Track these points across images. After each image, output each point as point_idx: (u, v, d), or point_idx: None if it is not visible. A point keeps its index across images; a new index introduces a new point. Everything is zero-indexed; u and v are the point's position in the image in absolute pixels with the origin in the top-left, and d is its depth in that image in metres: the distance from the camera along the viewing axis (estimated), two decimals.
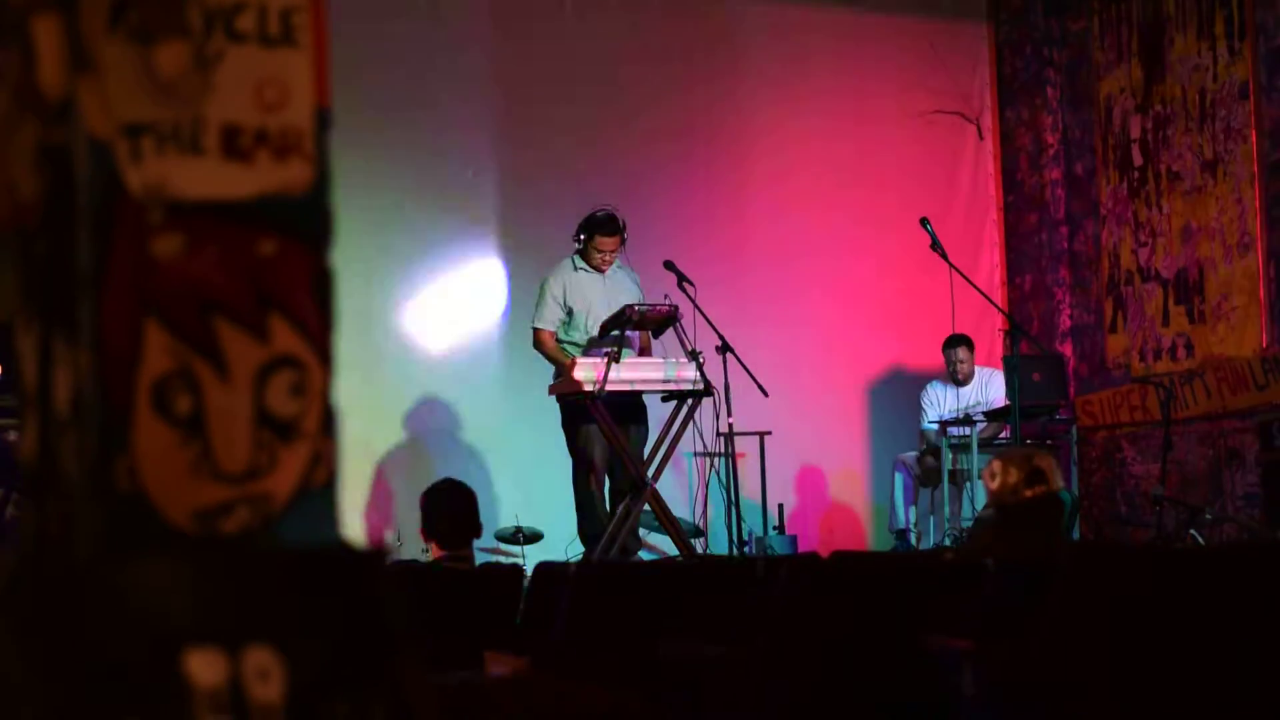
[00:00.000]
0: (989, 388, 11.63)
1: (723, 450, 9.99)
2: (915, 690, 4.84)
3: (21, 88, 2.14)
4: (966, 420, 11.04)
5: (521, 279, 10.68)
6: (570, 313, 9.95)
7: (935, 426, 11.41)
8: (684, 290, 9.89)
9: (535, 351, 10.11)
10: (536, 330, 10.04)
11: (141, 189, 2.09)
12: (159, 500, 2.08)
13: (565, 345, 9.96)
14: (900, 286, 12.79)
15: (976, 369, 11.75)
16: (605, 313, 9.82)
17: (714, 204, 12.60)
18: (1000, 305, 12.70)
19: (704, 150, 12.66)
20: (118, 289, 2.07)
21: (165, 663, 1.94)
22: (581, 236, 9.97)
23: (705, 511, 10.61)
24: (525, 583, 6.23)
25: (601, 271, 9.99)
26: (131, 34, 2.10)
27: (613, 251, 9.95)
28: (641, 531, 10.14)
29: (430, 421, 11.77)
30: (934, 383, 11.89)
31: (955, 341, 11.69)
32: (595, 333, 9.87)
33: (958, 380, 11.69)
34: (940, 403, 11.72)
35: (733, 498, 9.89)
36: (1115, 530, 12.44)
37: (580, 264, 10.01)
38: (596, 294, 9.96)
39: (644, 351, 10.03)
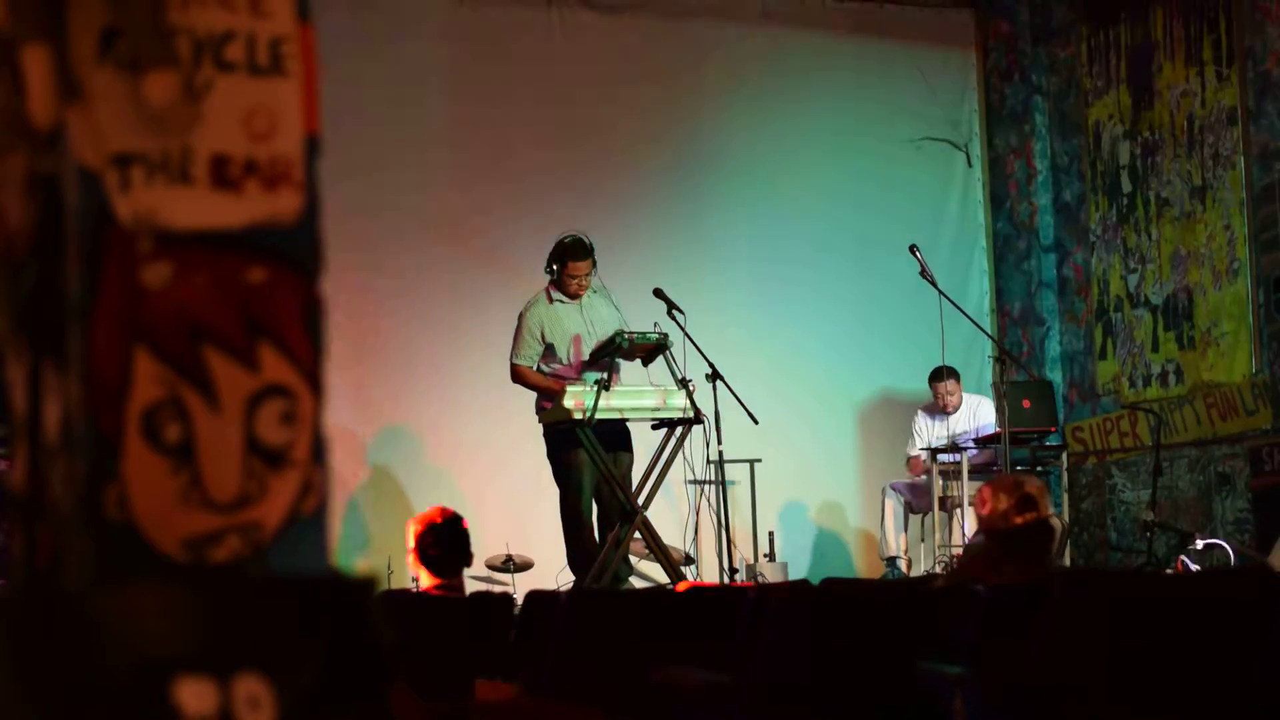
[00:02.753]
0: (977, 415, 11.62)
1: (713, 478, 9.99)
2: (907, 717, 4.84)
3: (11, 117, 2.15)
4: (956, 448, 11.05)
5: (509, 306, 10.67)
6: (550, 348, 9.93)
7: (923, 454, 11.43)
8: (673, 318, 9.89)
9: (524, 390, 10.10)
10: (514, 365, 10.01)
11: (131, 218, 2.09)
12: (149, 529, 2.08)
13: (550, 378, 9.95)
14: (890, 313, 12.80)
15: (964, 396, 11.76)
16: (586, 341, 9.83)
17: (703, 231, 12.62)
18: (990, 332, 12.71)
19: (692, 177, 12.68)
20: (107, 318, 2.07)
21: (156, 692, 1.94)
22: (554, 266, 9.95)
23: (696, 539, 10.60)
24: (516, 611, 6.23)
25: (578, 298, 9.97)
26: (121, 64, 2.10)
27: (586, 275, 9.94)
28: (632, 559, 10.13)
29: (420, 449, 11.77)
30: (921, 412, 11.90)
31: (942, 375, 11.68)
32: (578, 361, 9.86)
33: (945, 411, 11.69)
34: (928, 431, 11.72)
35: (723, 525, 9.89)
36: (1106, 556, 12.44)
37: (556, 295, 9.98)
38: (575, 324, 9.94)
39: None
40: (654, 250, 12.14)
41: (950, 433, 11.51)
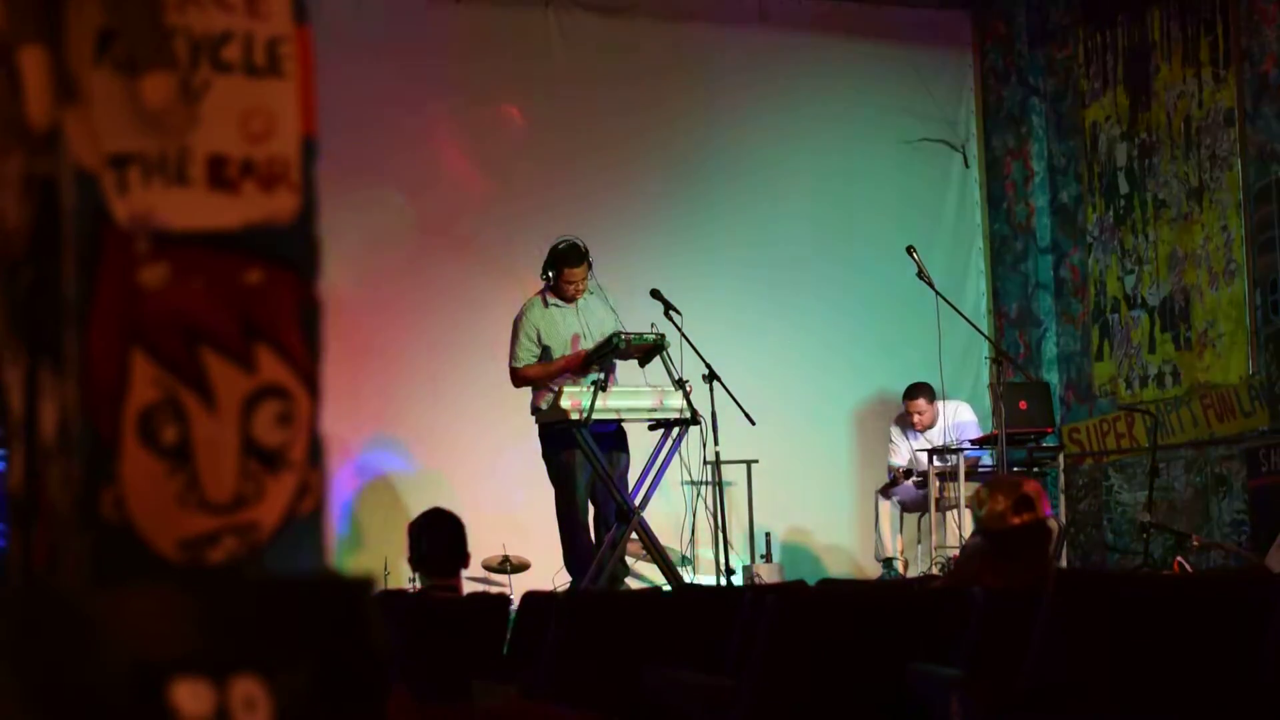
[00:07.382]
0: (956, 427, 11.54)
1: (710, 479, 9.98)
2: (903, 719, 4.83)
3: (7, 118, 2.14)
4: (953, 450, 11.04)
5: (505, 306, 10.67)
6: (547, 350, 9.93)
7: (905, 465, 11.43)
8: (670, 319, 9.89)
9: (518, 390, 10.10)
10: (514, 369, 10.01)
11: (128, 219, 2.09)
12: (146, 530, 2.08)
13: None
14: (887, 314, 12.81)
15: (940, 406, 11.66)
16: (584, 342, 9.83)
17: (700, 232, 12.62)
18: (987, 333, 12.71)
19: (690, 179, 12.68)
20: (104, 319, 2.07)
21: (151, 693, 1.94)
22: (549, 272, 9.95)
23: (693, 540, 10.60)
24: (513, 612, 6.23)
25: (574, 301, 9.97)
26: (118, 65, 2.10)
27: (583, 280, 9.94)
28: (629, 560, 10.13)
29: (417, 449, 11.77)
30: (895, 425, 11.86)
31: (913, 392, 11.63)
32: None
33: (916, 429, 11.63)
34: (904, 445, 11.68)
35: (720, 526, 9.88)
36: (1102, 557, 12.44)
37: (552, 300, 9.98)
38: (572, 326, 9.95)
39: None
40: (651, 251, 12.15)
41: (929, 446, 11.39)
